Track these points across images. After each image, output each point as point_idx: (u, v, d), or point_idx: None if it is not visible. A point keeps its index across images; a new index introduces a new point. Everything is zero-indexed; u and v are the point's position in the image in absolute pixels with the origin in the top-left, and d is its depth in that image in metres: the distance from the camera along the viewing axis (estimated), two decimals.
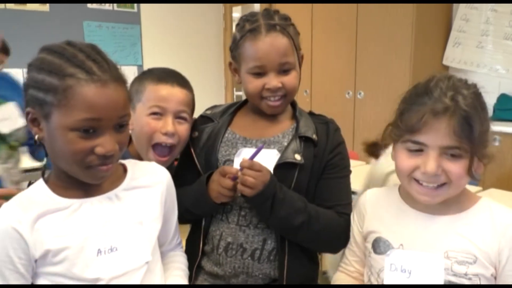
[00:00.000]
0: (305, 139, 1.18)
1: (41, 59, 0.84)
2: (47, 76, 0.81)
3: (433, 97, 0.90)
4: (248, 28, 1.14)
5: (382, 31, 3.45)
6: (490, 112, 3.03)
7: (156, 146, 1.22)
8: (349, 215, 1.17)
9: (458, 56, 3.49)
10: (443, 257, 0.92)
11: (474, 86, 0.94)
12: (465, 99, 0.88)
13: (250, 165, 1.07)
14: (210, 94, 5.31)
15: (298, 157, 1.15)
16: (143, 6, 4.74)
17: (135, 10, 4.69)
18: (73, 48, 0.84)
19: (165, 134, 1.19)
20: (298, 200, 1.12)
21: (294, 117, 1.25)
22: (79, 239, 0.86)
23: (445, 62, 3.54)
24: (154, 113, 1.20)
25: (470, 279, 0.90)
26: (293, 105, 1.29)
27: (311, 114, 1.28)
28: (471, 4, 3.38)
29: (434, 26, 3.48)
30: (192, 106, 1.27)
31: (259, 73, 1.15)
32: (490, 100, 3.20)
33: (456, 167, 0.89)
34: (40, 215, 0.85)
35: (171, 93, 1.20)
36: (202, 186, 1.14)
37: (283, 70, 1.15)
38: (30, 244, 0.83)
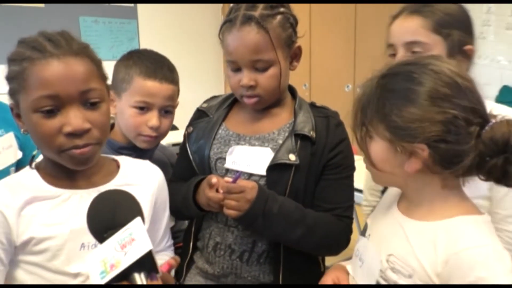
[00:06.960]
0: (302, 137, 1.10)
1: (12, 52, 0.84)
2: (12, 65, 0.82)
3: None
4: (228, 17, 1.08)
5: (380, 24, 3.39)
6: None
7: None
8: (350, 218, 1.11)
9: None
10: (383, 259, 0.86)
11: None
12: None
13: (229, 190, 1.00)
14: (208, 89, 5.26)
15: (292, 157, 1.07)
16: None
17: (132, 5, 4.65)
18: (37, 35, 0.84)
19: (151, 128, 1.19)
20: (295, 211, 1.05)
21: (294, 110, 1.16)
22: (65, 231, 0.84)
23: None
24: (140, 107, 1.19)
25: None
26: (294, 96, 1.20)
27: (312, 106, 1.18)
28: None
29: None
30: (177, 96, 1.27)
31: (236, 68, 1.08)
32: (492, 92, 3.14)
33: None
34: (28, 201, 0.83)
35: (159, 89, 1.18)
36: (189, 193, 1.09)
37: (260, 67, 1.06)
38: (14, 229, 0.81)
